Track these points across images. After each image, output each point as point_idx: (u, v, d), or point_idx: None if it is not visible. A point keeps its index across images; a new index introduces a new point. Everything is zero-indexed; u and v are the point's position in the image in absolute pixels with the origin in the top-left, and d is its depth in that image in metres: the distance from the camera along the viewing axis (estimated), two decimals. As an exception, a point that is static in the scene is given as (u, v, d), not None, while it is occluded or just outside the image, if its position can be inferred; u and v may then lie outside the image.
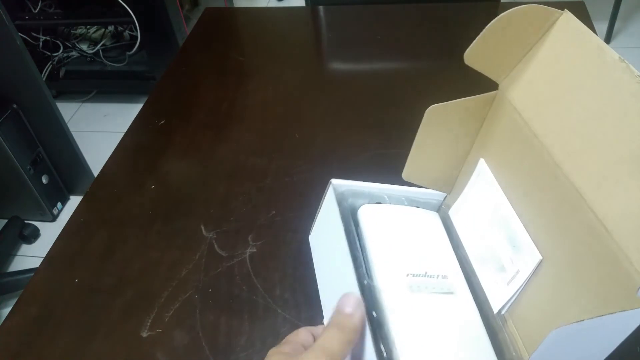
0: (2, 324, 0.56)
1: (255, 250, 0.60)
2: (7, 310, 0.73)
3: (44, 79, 1.67)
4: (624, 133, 0.33)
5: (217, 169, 0.71)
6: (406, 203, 0.51)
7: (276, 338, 0.52)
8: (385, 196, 0.50)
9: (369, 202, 0.49)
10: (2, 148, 1.45)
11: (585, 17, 0.91)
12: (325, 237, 0.51)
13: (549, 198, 0.38)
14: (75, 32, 2.21)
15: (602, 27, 2.03)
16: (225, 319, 0.54)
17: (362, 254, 0.44)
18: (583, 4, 0.93)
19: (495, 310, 0.43)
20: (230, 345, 0.52)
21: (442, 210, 0.52)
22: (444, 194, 0.52)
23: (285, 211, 0.64)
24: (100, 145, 1.27)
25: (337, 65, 0.94)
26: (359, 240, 0.46)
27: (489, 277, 0.45)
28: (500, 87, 0.44)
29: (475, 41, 0.40)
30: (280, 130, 0.77)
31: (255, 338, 0.52)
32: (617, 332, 0.34)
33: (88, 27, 2.19)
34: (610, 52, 0.35)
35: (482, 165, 0.47)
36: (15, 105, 1.49)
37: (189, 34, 1.06)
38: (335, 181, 0.47)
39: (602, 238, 0.33)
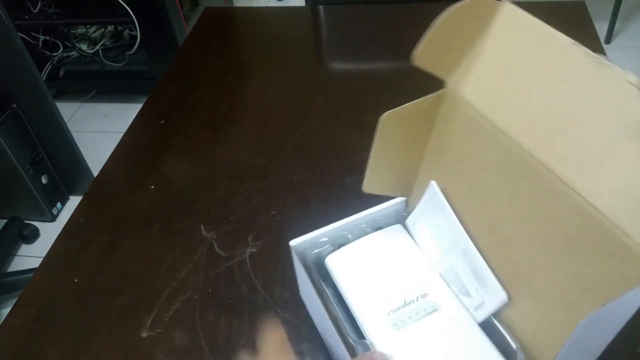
0: (2, 324, 0.56)
1: (255, 250, 0.60)
2: (7, 310, 0.73)
3: (43, 78, 1.67)
4: (592, 113, 0.33)
5: (217, 169, 0.71)
6: (368, 229, 0.50)
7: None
8: (347, 233, 0.49)
9: (331, 248, 0.48)
10: (2, 148, 1.45)
11: (585, 16, 0.91)
12: (308, 297, 0.52)
13: (526, 188, 0.38)
14: (75, 31, 2.21)
15: (602, 27, 2.03)
16: (225, 319, 0.54)
17: (342, 307, 0.45)
18: (583, 4, 0.93)
19: (479, 321, 0.43)
20: (230, 345, 0.52)
21: (405, 218, 0.52)
22: (403, 200, 0.51)
23: (285, 211, 0.64)
24: (100, 145, 1.27)
25: (337, 65, 0.94)
26: (336, 291, 0.46)
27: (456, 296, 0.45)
28: (449, 84, 0.43)
29: (423, 41, 0.39)
30: (280, 130, 0.76)
31: (255, 338, 0.52)
32: (624, 313, 0.34)
33: (88, 26, 2.19)
34: (561, 36, 0.35)
35: (433, 189, 0.46)
36: (14, 105, 1.49)
37: (189, 33, 1.06)
38: (293, 242, 0.47)
39: (594, 218, 0.33)
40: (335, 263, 0.47)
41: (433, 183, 0.46)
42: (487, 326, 0.43)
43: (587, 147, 0.34)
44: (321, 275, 0.47)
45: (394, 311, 0.43)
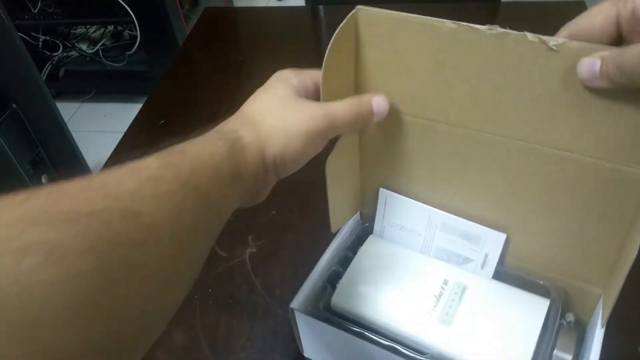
0: (1, 324, 0.56)
1: (255, 250, 0.60)
2: (6, 311, 0.72)
3: (43, 78, 1.67)
4: (514, 79, 0.35)
5: (217, 169, 0.71)
6: (350, 253, 0.49)
7: (276, 338, 0.52)
8: (335, 284, 0.47)
9: (330, 290, 0.46)
10: (2, 148, 1.45)
11: (585, 17, 0.91)
12: (331, 347, 0.47)
13: (495, 158, 0.40)
14: (75, 31, 2.20)
15: (602, 27, 2.03)
16: (225, 319, 0.54)
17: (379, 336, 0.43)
18: (583, 4, 0.93)
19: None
20: (230, 345, 0.52)
21: (362, 225, 0.52)
22: (356, 215, 0.51)
23: (285, 211, 0.64)
24: (100, 145, 1.27)
25: (337, 65, 0.94)
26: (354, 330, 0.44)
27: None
28: None
29: (323, 80, 0.37)
30: (280, 130, 0.76)
31: (255, 338, 0.52)
32: None
33: (88, 26, 2.18)
34: (440, 21, 0.36)
35: (383, 193, 0.47)
36: (14, 105, 1.48)
37: (188, 33, 1.06)
38: (294, 304, 0.44)
39: (580, 162, 0.36)
40: (344, 300, 0.45)
41: (382, 189, 0.47)
42: (509, 277, 0.45)
43: (528, 109, 0.36)
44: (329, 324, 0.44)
45: (433, 310, 0.43)
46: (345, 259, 0.48)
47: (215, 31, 1.04)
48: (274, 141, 0.34)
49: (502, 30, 0.34)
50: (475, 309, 0.43)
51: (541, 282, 0.44)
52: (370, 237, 0.50)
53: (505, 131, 0.38)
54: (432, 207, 0.45)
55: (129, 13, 1.82)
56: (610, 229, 0.39)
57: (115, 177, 0.27)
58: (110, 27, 2.14)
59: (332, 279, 0.47)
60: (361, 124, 0.38)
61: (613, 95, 0.33)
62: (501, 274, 0.45)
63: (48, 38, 2.10)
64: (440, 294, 0.43)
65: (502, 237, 0.43)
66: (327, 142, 0.37)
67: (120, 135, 0.79)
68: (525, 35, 0.33)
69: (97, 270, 0.21)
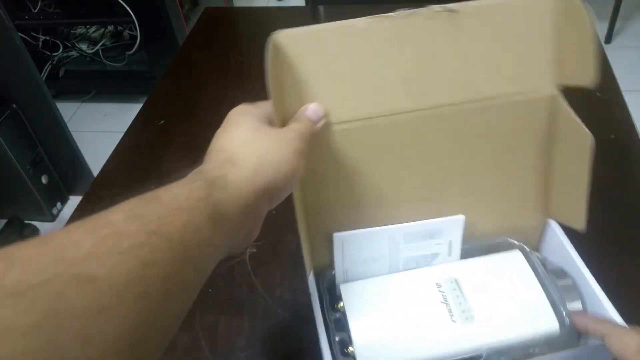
0: (1, 324, 0.56)
1: (255, 250, 0.60)
2: (6, 311, 0.72)
3: (43, 78, 1.67)
4: (434, 49, 0.39)
5: (217, 168, 0.71)
6: (341, 305, 0.46)
7: (276, 338, 0.52)
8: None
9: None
10: (2, 148, 1.45)
11: (585, 16, 0.91)
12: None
13: (434, 139, 0.42)
14: (75, 31, 2.20)
15: (603, 26, 2.03)
16: (225, 319, 0.54)
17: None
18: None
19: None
20: (230, 345, 0.52)
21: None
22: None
23: (285, 211, 0.64)
24: (100, 145, 1.27)
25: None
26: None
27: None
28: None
29: (274, 109, 0.37)
30: (280, 130, 0.76)
31: (255, 338, 0.52)
32: None
33: (88, 26, 2.18)
34: (353, 21, 0.40)
35: (338, 237, 0.45)
36: (14, 105, 1.48)
37: (188, 33, 1.06)
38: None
39: (499, 105, 0.41)
40: (372, 357, 0.41)
41: (335, 235, 0.45)
42: (471, 251, 0.47)
43: (449, 72, 0.40)
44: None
45: (451, 316, 0.41)
46: (338, 322, 0.44)
47: (215, 31, 1.04)
48: (264, 171, 0.33)
49: (410, 10, 0.38)
50: (478, 292, 0.43)
51: (497, 240, 0.46)
52: (342, 287, 0.45)
53: (435, 101, 0.41)
54: (389, 225, 0.44)
55: (129, 13, 1.82)
56: (530, 160, 0.44)
57: (73, 237, 0.24)
58: (110, 27, 2.15)
59: (345, 345, 0.43)
60: (311, 136, 0.39)
61: (498, 35, 0.40)
62: (463, 252, 0.47)
63: (48, 38, 2.10)
64: (445, 298, 0.43)
65: (461, 219, 0.44)
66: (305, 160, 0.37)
67: (120, 135, 0.79)
68: (431, 8, 0.38)
69: (43, 350, 0.19)
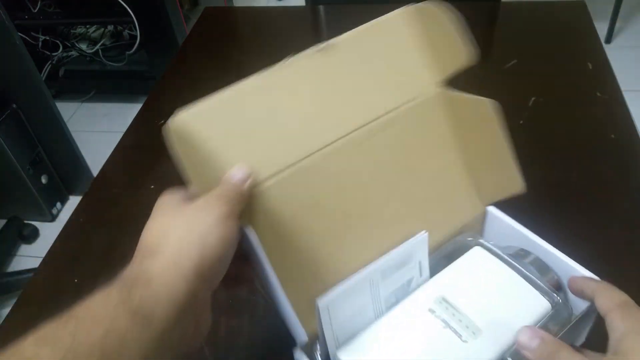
0: (2, 324, 0.56)
1: (255, 250, 0.60)
2: (7, 310, 0.73)
3: (43, 78, 1.67)
4: (328, 84, 0.43)
5: (217, 168, 0.71)
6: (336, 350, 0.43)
7: (276, 338, 0.52)
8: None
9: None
10: (2, 148, 1.45)
11: (585, 16, 0.91)
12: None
13: (363, 163, 0.44)
14: (75, 31, 2.21)
15: (602, 27, 2.03)
16: (225, 319, 0.54)
17: None
18: (583, 4, 0.93)
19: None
20: (230, 345, 0.52)
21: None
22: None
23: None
24: (100, 145, 1.27)
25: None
26: None
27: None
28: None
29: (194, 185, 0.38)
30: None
31: (255, 338, 0.52)
32: None
33: (87, 26, 2.19)
34: (248, 81, 0.42)
35: (323, 302, 0.39)
36: (14, 105, 1.49)
37: (188, 33, 1.06)
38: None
39: (399, 115, 0.45)
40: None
41: (319, 302, 0.39)
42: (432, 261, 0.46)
43: (349, 100, 0.43)
44: None
45: (459, 338, 0.39)
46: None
47: (215, 31, 1.04)
48: (187, 252, 0.31)
49: (293, 57, 0.42)
50: (470, 303, 0.42)
51: (453, 244, 0.47)
52: (340, 352, 0.42)
53: (345, 128, 0.43)
54: (364, 269, 0.41)
55: (129, 13, 1.82)
56: (449, 154, 0.47)
57: None
58: (110, 27, 2.15)
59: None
60: (240, 197, 0.36)
61: (375, 56, 0.45)
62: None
63: (48, 38, 2.10)
64: (445, 322, 0.40)
65: (425, 236, 0.43)
66: (238, 225, 0.35)
67: (120, 135, 0.79)
68: (313, 49, 0.43)
69: None
